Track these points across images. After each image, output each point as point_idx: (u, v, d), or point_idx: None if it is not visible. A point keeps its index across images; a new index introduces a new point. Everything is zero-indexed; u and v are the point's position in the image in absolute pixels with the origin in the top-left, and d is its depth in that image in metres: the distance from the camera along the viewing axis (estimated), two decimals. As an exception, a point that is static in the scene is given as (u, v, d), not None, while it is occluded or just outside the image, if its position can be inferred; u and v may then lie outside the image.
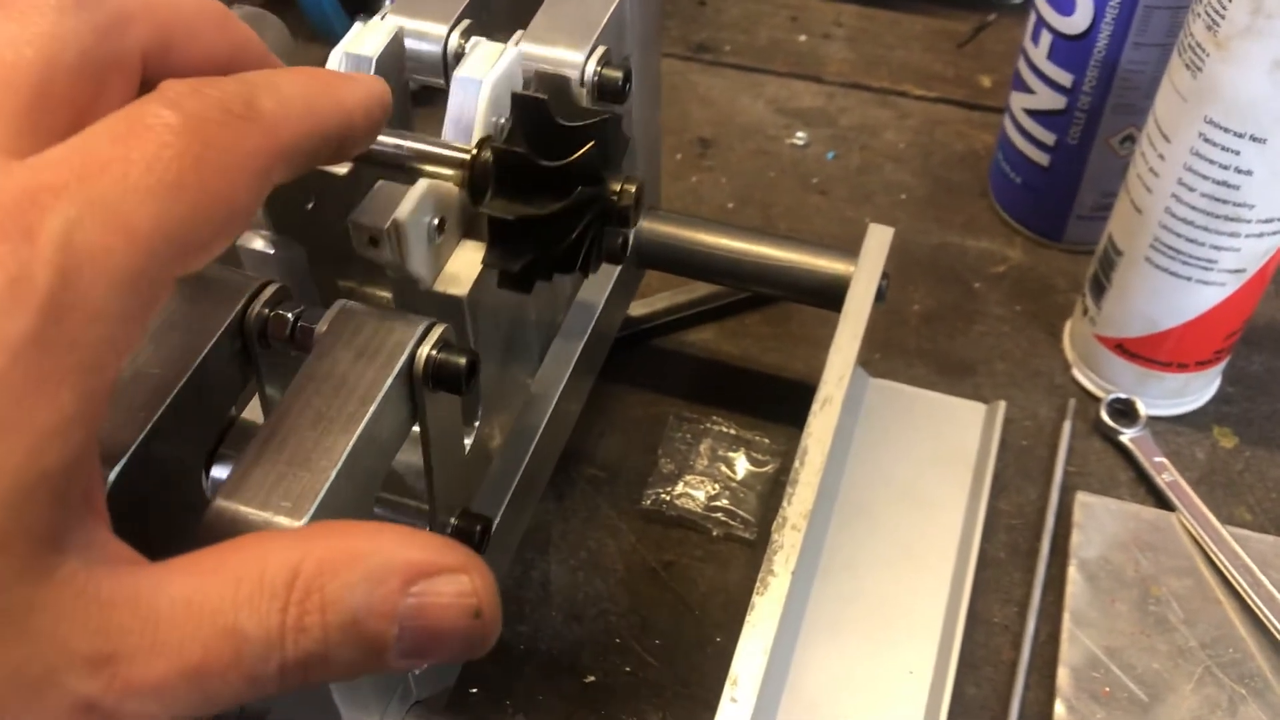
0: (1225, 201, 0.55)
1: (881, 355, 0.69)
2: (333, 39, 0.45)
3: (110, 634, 0.24)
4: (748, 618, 0.45)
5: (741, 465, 0.63)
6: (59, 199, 0.23)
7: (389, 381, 0.35)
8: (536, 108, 0.37)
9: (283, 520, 0.32)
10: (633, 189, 0.39)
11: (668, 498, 0.62)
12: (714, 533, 0.61)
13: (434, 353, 0.36)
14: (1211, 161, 0.54)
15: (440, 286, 0.40)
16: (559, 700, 0.55)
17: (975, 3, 0.91)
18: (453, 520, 0.42)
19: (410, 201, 0.38)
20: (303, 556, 0.26)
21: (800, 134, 0.82)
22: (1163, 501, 0.61)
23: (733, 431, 0.65)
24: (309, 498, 0.32)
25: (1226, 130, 0.52)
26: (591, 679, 0.56)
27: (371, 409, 0.35)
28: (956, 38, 0.90)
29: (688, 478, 0.63)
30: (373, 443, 0.35)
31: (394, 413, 0.36)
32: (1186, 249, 0.58)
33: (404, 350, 0.36)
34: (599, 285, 0.57)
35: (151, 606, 0.25)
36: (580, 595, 0.58)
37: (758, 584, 0.46)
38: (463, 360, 0.36)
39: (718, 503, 0.62)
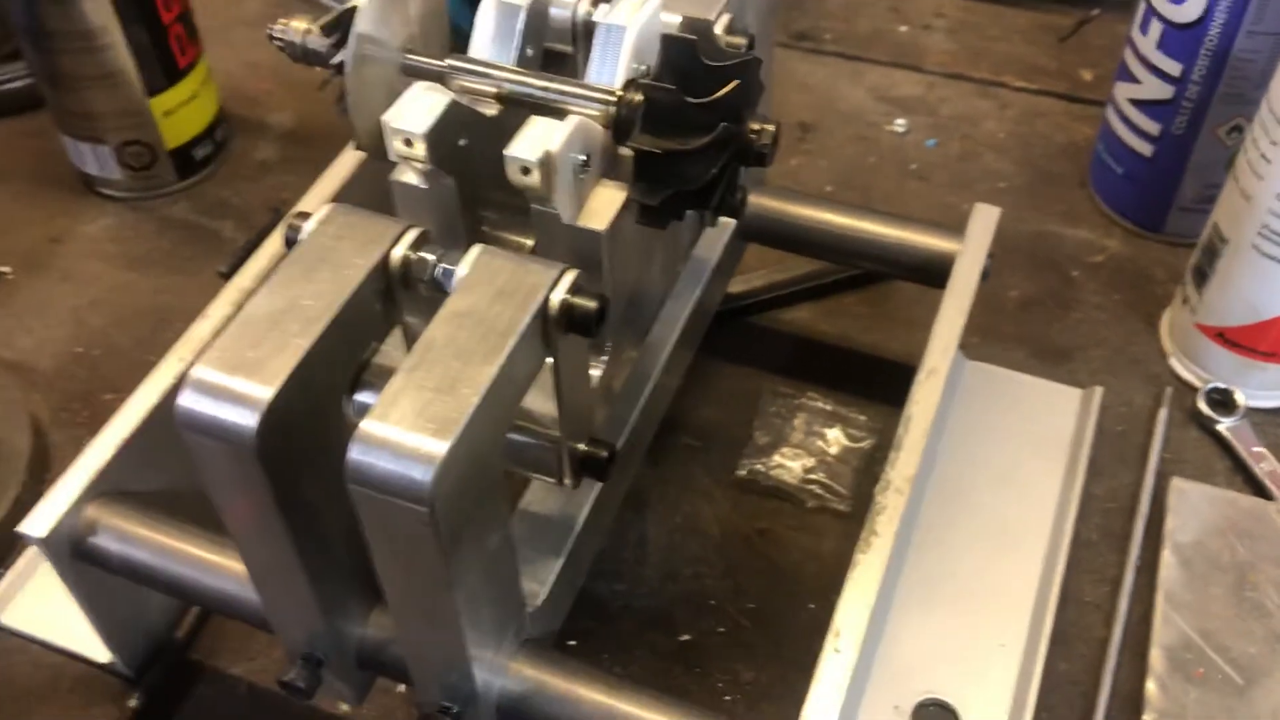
0: (1338, 189, 0.55)
1: (979, 339, 0.69)
2: None
3: None
4: (850, 574, 0.46)
5: (837, 440, 0.64)
6: None
7: (526, 321, 0.37)
8: (686, 47, 0.39)
9: (429, 441, 0.34)
10: (771, 128, 0.40)
11: (763, 468, 0.63)
12: (808, 504, 0.62)
13: (567, 296, 0.38)
14: (1326, 148, 0.54)
15: (582, 221, 0.42)
16: (654, 656, 0.56)
17: (1078, -3, 0.91)
18: (580, 446, 0.44)
19: (562, 135, 0.40)
20: None
21: (900, 121, 0.83)
22: (1261, 491, 0.61)
23: (829, 407, 0.66)
24: (453, 421, 0.34)
25: (1343, 116, 0.53)
26: (686, 637, 0.57)
27: (510, 344, 0.36)
28: (1059, 31, 0.90)
29: (783, 449, 0.64)
30: (510, 375, 0.37)
31: (529, 350, 0.38)
32: (1295, 238, 0.58)
33: (539, 293, 0.38)
34: (708, 249, 0.58)
35: None
36: (676, 557, 0.60)
37: (860, 543, 0.47)
38: (593, 305, 0.38)
39: (813, 475, 0.63)
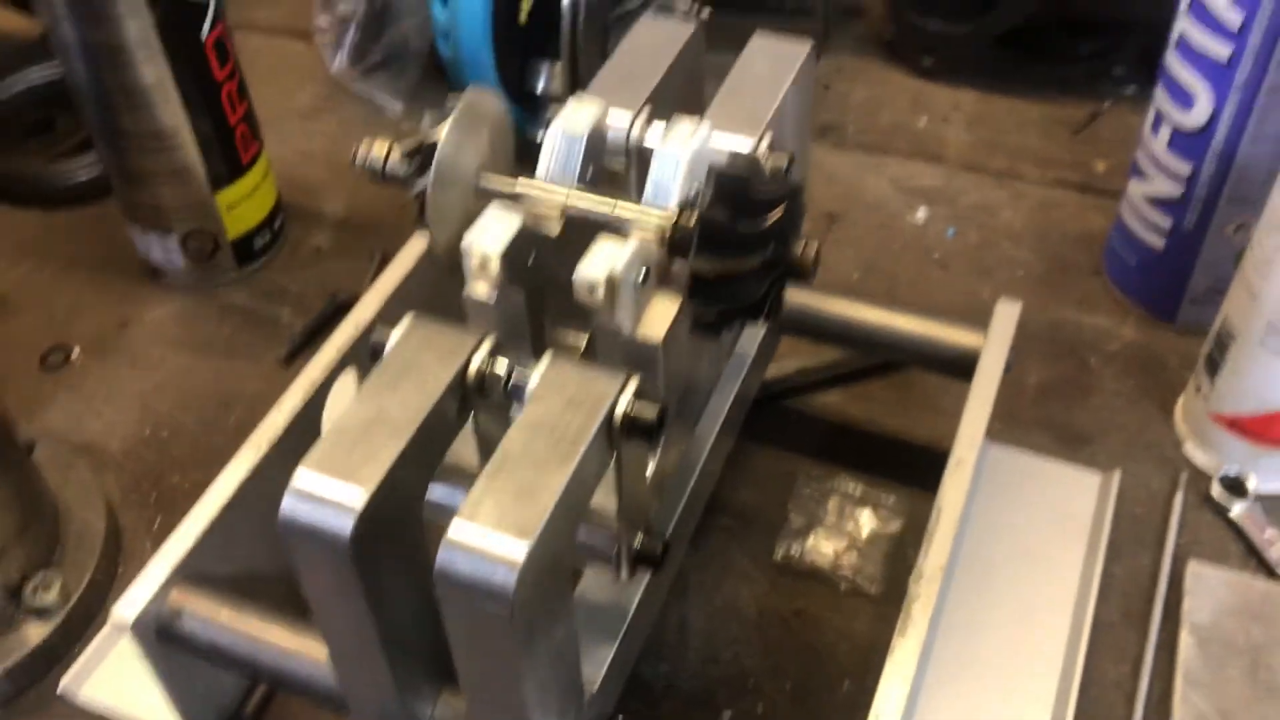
0: (1340, 291, 0.58)
1: (1001, 425, 0.72)
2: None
3: None
4: (889, 659, 0.49)
5: (867, 523, 0.68)
6: None
7: (594, 429, 0.41)
8: (738, 184, 0.43)
9: (512, 544, 0.37)
10: (815, 248, 0.44)
11: (797, 551, 0.66)
12: (841, 586, 0.65)
13: (631, 405, 0.42)
14: (1328, 254, 0.58)
15: (640, 332, 0.46)
16: (697, 734, 0.59)
17: (1091, 91, 0.96)
18: (638, 538, 0.47)
19: (625, 256, 0.43)
20: None
21: (921, 211, 0.87)
22: (1273, 574, 0.64)
23: (859, 491, 0.69)
24: (533, 525, 0.38)
25: (1343, 225, 0.56)
26: (728, 716, 0.60)
27: (580, 451, 0.40)
28: (1072, 124, 0.94)
29: (817, 531, 0.67)
30: (580, 479, 0.40)
31: (597, 455, 0.41)
32: (1301, 334, 0.61)
33: (606, 402, 0.41)
34: (747, 343, 0.62)
35: None
36: (716, 638, 0.63)
37: (897, 630, 0.50)
38: (654, 414, 0.42)
39: (844, 558, 0.66)
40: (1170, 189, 0.73)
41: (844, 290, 0.67)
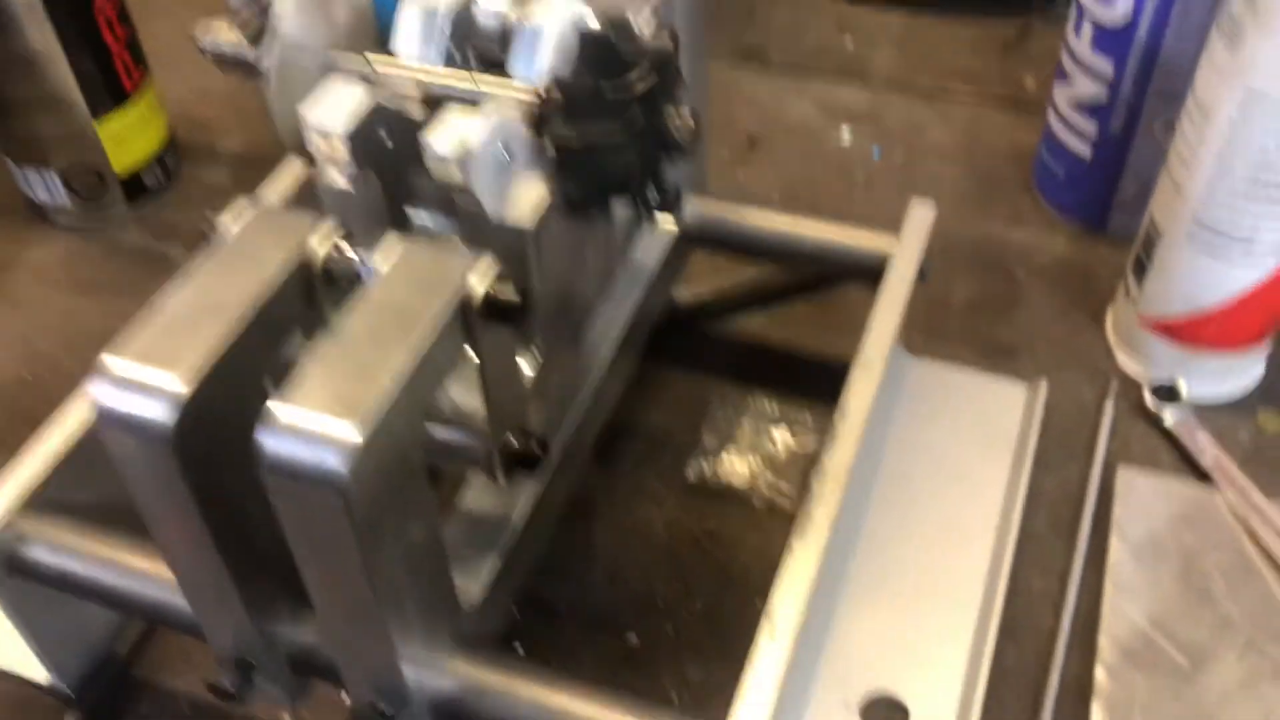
0: (1264, 179, 0.55)
1: (925, 339, 0.69)
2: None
3: None
4: (784, 560, 0.46)
5: (783, 440, 0.64)
6: None
7: (444, 308, 0.37)
8: (602, 42, 0.39)
9: (343, 423, 0.34)
10: (689, 117, 0.41)
11: (711, 471, 0.63)
12: (755, 504, 0.62)
13: (488, 284, 0.38)
14: (1250, 136, 0.55)
15: (508, 216, 0.42)
16: (601, 659, 0.56)
17: (1020, 7, 0.92)
18: (512, 440, 0.44)
19: (482, 130, 0.40)
20: None
21: (845, 132, 0.84)
22: (1206, 479, 0.61)
23: (775, 410, 0.66)
24: (369, 406, 0.34)
25: (1265, 101, 0.53)
26: (634, 639, 0.57)
27: (427, 330, 0.36)
28: (1003, 42, 0.91)
29: (730, 452, 0.64)
30: (429, 362, 0.37)
31: (449, 338, 0.38)
32: (1226, 228, 0.58)
33: (458, 281, 0.38)
34: (650, 254, 0.59)
35: None
36: (624, 559, 0.60)
37: (795, 531, 0.47)
38: (514, 294, 0.38)
39: (761, 477, 0.63)
40: (1095, 91, 0.70)
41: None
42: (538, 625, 0.57)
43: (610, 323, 0.55)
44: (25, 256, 0.77)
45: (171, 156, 0.81)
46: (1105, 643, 0.55)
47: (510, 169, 0.42)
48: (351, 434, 0.34)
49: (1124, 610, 0.56)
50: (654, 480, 0.63)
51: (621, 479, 0.63)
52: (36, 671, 0.54)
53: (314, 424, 0.34)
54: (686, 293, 0.71)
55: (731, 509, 0.62)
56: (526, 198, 0.43)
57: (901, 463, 0.62)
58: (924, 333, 0.70)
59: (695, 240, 0.63)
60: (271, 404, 0.34)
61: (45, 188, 0.76)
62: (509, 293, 0.38)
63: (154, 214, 0.80)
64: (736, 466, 0.63)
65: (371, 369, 0.35)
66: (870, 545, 0.58)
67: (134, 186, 0.78)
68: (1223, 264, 0.60)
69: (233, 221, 0.40)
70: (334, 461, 0.34)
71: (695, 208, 0.63)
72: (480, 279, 0.38)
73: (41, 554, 0.48)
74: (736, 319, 0.72)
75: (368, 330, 0.36)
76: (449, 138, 0.40)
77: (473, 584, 0.46)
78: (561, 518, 0.61)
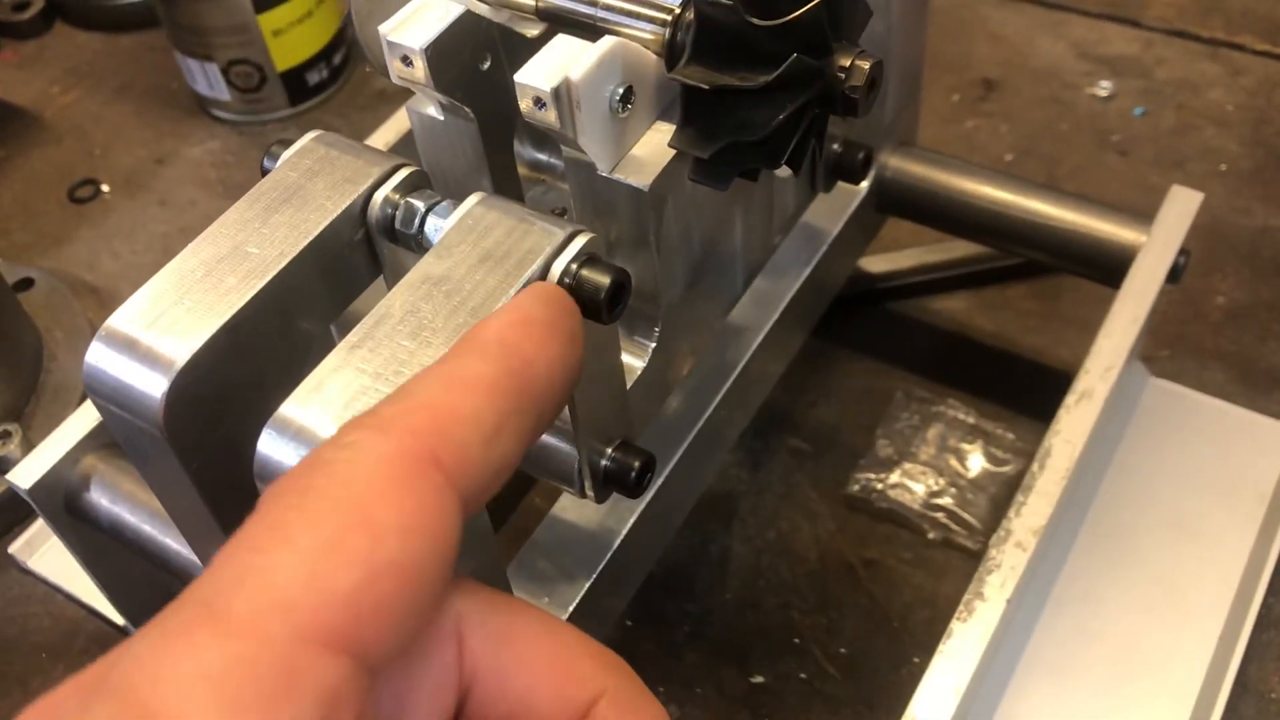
0: None
1: (1170, 353, 0.57)
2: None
3: None
4: (941, 645, 0.36)
5: (975, 461, 0.54)
6: None
7: (511, 294, 0.29)
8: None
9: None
10: (865, 66, 0.30)
11: (880, 486, 0.53)
12: (930, 534, 0.52)
13: (573, 266, 0.29)
14: None
15: (620, 173, 0.33)
16: (719, 696, 0.48)
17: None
18: (608, 451, 0.35)
19: (589, 60, 0.31)
20: None
21: (1105, 84, 0.70)
22: None
23: (971, 420, 0.55)
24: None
25: None
26: (759, 679, 0.48)
27: (484, 324, 0.28)
28: (1319, -14, 0.74)
29: (907, 466, 0.53)
30: (481, 365, 0.28)
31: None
32: None
33: (535, 260, 0.29)
34: (828, 218, 0.48)
35: None
36: (761, 581, 0.51)
37: (961, 608, 0.37)
38: (606, 280, 0.29)
39: (939, 500, 0.52)
40: None
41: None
42: (651, 645, 0.49)
43: (769, 300, 0.46)
44: (183, 152, 0.73)
45: (340, 56, 0.75)
46: (1359, 783, 0.43)
47: (630, 113, 0.33)
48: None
49: (1391, 744, 0.43)
50: (809, 489, 0.53)
51: (771, 483, 0.54)
52: (112, 611, 0.50)
53: (319, 433, 0.26)
54: (881, 263, 0.60)
55: (899, 536, 0.52)
56: (651, 151, 0.34)
57: (1119, 506, 0.50)
58: (1171, 345, 0.57)
59: (889, 206, 0.53)
60: (283, 407, 0.27)
61: (206, 80, 0.72)
62: (601, 276, 0.29)
63: (316, 116, 0.74)
64: (912, 485, 0.53)
65: (404, 372, 0.27)
66: (1063, 607, 0.47)
67: (297, 85, 0.73)
68: None
69: (290, 154, 0.33)
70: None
71: (895, 165, 0.52)
72: (564, 259, 0.29)
73: (100, 499, 0.43)
74: (937, 300, 0.61)
75: (412, 317, 0.28)
76: (545, 69, 0.31)
77: (556, 610, 0.38)
78: (692, 520, 0.52)
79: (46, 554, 0.53)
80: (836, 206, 0.49)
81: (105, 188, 0.71)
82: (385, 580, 0.20)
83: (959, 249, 0.61)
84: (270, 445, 0.27)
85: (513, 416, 0.23)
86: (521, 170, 0.40)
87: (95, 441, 0.45)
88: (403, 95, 0.41)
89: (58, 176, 0.72)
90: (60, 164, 0.73)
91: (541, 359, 0.24)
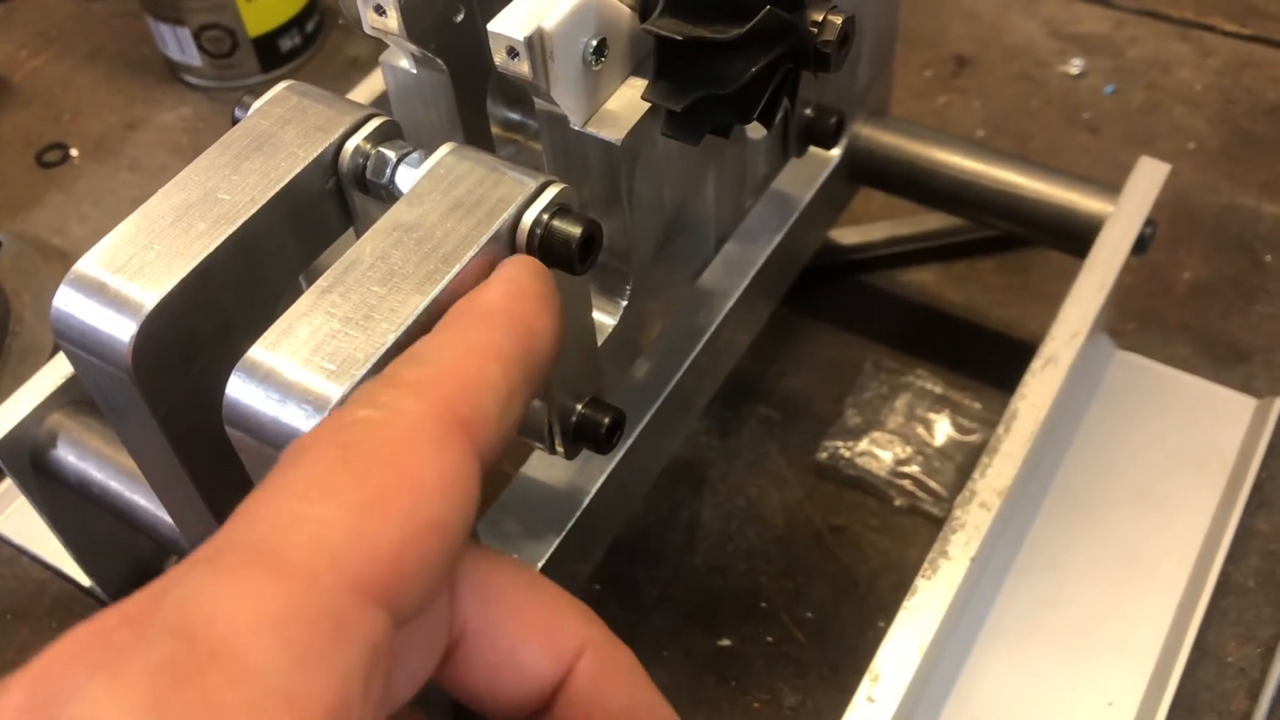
0: None
1: (1137, 326, 0.57)
2: None
3: None
4: (905, 603, 0.36)
5: (942, 430, 0.54)
6: None
7: (481, 242, 0.29)
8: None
9: (321, 383, 0.26)
10: (838, 20, 0.31)
11: (848, 454, 0.53)
12: (896, 501, 0.52)
13: (545, 216, 0.29)
14: None
15: (593, 127, 0.33)
16: (686, 659, 0.48)
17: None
18: (578, 408, 0.35)
19: (563, 9, 0.31)
20: None
21: (1076, 62, 0.70)
22: None
23: (938, 390, 0.55)
24: (357, 363, 0.26)
25: None
26: (726, 643, 0.48)
27: (453, 271, 0.28)
28: (1288, -31, 0.75)
29: (875, 434, 0.54)
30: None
31: (484, 279, 0.29)
32: None
33: (506, 208, 0.29)
34: (800, 186, 0.49)
35: None
36: (730, 547, 0.51)
37: (925, 565, 0.37)
38: (577, 230, 0.29)
39: (906, 468, 0.53)
40: (1406, 38, 0.55)
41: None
42: (619, 609, 0.49)
43: (739, 266, 0.46)
44: (154, 118, 0.72)
45: (313, 23, 0.74)
46: (1312, 743, 0.44)
47: (604, 66, 0.33)
48: (327, 396, 0.26)
49: (1344, 706, 0.44)
50: (778, 456, 0.54)
51: (741, 450, 0.54)
52: (78, 572, 0.50)
53: (289, 379, 0.26)
54: (852, 235, 0.61)
55: (866, 504, 0.52)
56: (624, 105, 0.34)
57: (1084, 476, 0.51)
58: (1138, 319, 0.57)
59: (861, 175, 0.53)
60: (250, 351, 0.27)
61: (178, 45, 0.71)
62: (572, 227, 0.29)
63: (289, 84, 0.74)
64: (880, 453, 0.53)
65: (374, 317, 0.27)
66: (1027, 573, 0.48)
67: (269, 51, 0.72)
68: None
69: (261, 102, 0.33)
70: (306, 430, 0.26)
71: (867, 134, 0.52)
72: (536, 208, 0.29)
73: (67, 456, 0.43)
74: (907, 272, 0.61)
75: (382, 263, 0.28)
76: (519, 18, 0.31)
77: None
78: (661, 486, 0.53)
79: (11, 516, 0.53)
80: (808, 174, 0.49)
81: (74, 152, 0.70)
82: (426, 538, 0.20)
83: (929, 222, 0.61)
84: (239, 389, 0.27)
85: (523, 385, 0.24)
86: (495, 130, 0.40)
87: (62, 398, 0.44)
88: (375, 64, 0.41)
89: (25, 141, 0.71)
90: (28, 128, 0.72)
91: (542, 330, 0.25)
